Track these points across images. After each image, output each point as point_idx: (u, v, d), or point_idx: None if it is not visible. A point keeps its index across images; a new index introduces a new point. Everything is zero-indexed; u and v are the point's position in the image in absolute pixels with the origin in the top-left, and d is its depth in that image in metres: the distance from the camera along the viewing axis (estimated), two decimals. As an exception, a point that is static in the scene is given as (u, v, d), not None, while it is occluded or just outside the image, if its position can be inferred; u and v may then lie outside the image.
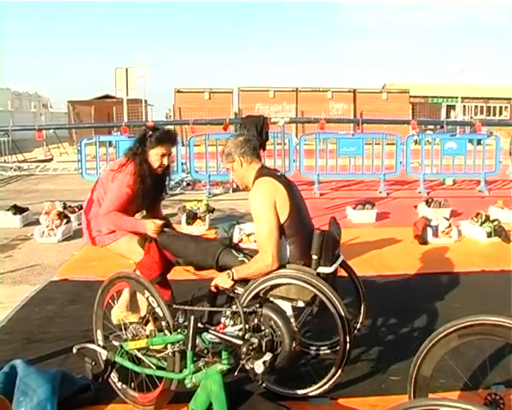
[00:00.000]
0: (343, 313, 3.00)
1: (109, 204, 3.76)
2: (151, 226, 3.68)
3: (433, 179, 11.79)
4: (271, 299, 3.15)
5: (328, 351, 3.57)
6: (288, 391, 3.15)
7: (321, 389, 3.08)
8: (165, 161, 3.82)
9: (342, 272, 3.62)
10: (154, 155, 3.77)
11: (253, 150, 3.45)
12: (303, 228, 3.27)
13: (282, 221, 3.18)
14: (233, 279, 3.18)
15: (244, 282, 3.22)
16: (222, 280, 3.21)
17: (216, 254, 3.38)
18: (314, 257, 3.13)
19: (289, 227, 3.20)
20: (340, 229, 3.56)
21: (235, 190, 10.75)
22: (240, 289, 3.22)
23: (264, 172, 3.40)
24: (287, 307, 3.11)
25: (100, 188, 3.95)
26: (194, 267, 3.65)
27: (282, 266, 3.17)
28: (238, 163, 3.39)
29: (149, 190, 3.81)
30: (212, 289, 3.24)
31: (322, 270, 3.14)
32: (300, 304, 3.19)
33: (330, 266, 3.18)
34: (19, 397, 2.81)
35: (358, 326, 3.61)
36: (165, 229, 3.75)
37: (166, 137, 3.82)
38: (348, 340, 3.00)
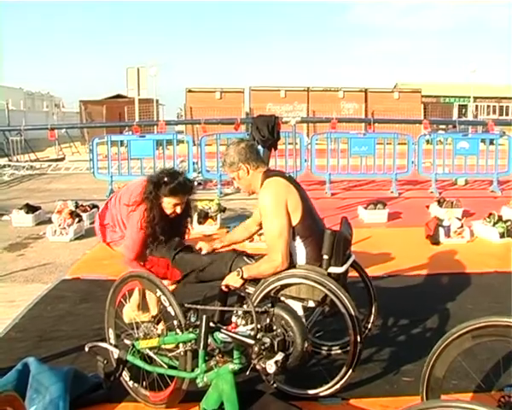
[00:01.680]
0: (354, 313, 2.98)
1: (129, 252, 3.81)
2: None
3: (445, 179, 11.70)
4: (282, 298, 3.14)
5: (339, 351, 3.56)
6: (299, 391, 3.15)
7: (332, 390, 3.08)
8: (178, 210, 3.77)
9: (354, 273, 3.61)
10: (167, 203, 3.73)
11: (257, 155, 3.42)
12: (317, 228, 3.25)
13: (295, 222, 3.16)
14: (242, 278, 3.17)
15: (254, 282, 3.23)
16: (232, 279, 3.21)
17: (229, 262, 3.39)
18: (325, 257, 3.12)
19: (303, 228, 3.18)
20: (351, 229, 3.54)
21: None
22: (251, 289, 3.22)
23: (272, 172, 3.39)
24: (297, 306, 3.10)
25: (117, 204, 4.00)
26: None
27: (292, 266, 3.17)
28: (244, 171, 3.33)
29: (160, 234, 3.77)
30: (223, 288, 3.24)
31: (333, 270, 3.13)
32: (311, 304, 3.18)
33: (341, 266, 3.17)
34: (31, 395, 2.84)
35: (369, 326, 3.60)
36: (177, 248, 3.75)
37: (180, 190, 3.73)
38: (359, 340, 2.99)
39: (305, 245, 3.19)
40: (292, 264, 3.18)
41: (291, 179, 3.36)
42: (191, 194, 3.88)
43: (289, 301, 3.11)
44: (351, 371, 3.03)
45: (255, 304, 2.97)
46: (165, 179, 3.70)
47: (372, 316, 3.60)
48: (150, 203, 3.70)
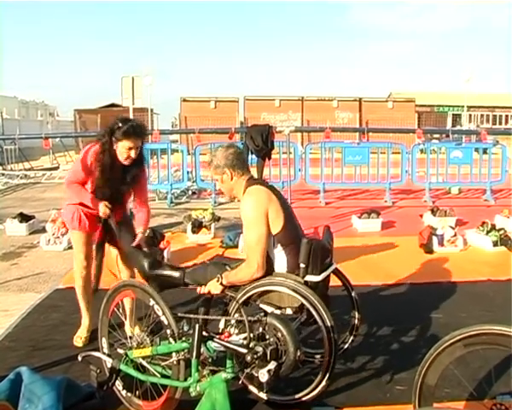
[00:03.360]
0: (329, 323, 2.99)
1: (70, 176, 4.00)
2: (102, 208, 3.84)
3: (438, 188, 11.76)
4: (261, 305, 3.17)
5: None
6: (280, 398, 3.15)
7: (305, 398, 3.08)
8: (133, 154, 3.82)
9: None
10: (121, 148, 3.79)
11: (243, 163, 3.44)
12: (297, 237, 3.28)
13: (277, 230, 3.20)
14: (222, 284, 3.22)
15: (235, 288, 3.26)
16: (212, 285, 3.26)
17: (207, 270, 3.44)
18: (301, 265, 3.13)
19: (285, 236, 3.22)
20: (332, 238, 3.58)
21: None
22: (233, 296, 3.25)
23: (255, 181, 3.43)
24: None
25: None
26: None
27: (269, 274, 3.20)
28: (228, 176, 3.36)
29: (112, 181, 3.86)
30: (205, 294, 3.29)
31: (310, 278, 3.14)
32: (289, 311, 3.19)
33: (319, 274, 3.18)
34: (24, 404, 2.82)
35: (354, 333, 3.60)
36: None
37: (132, 132, 3.79)
38: (333, 349, 3.00)
39: (286, 253, 3.23)
40: (271, 271, 3.21)
41: (272, 188, 3.40)
42: (144, 137, 3.98)
43: (267, 308, 3.13)
44: (324, 381, 3.03)
45: (234, 311, 3.04)
46: (119, 124, 3.82)
47: (356, 321, 3.60)
48: (104, 148, 3.80)
